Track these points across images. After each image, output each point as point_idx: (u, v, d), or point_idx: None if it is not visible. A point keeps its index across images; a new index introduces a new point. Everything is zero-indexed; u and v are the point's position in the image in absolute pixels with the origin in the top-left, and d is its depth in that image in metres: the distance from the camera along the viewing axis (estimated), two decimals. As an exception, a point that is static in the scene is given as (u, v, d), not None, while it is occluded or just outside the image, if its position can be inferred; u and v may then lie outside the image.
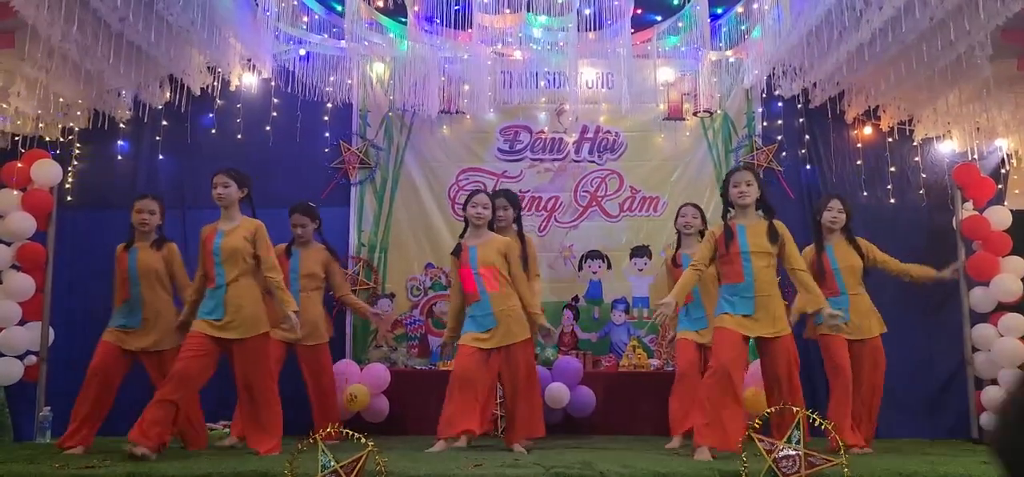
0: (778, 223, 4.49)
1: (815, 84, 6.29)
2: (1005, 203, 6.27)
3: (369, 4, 6.58)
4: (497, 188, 6.65)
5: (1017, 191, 6.75)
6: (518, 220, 5.40)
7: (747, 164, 5.94)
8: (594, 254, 6.80)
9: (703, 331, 5.21)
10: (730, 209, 4.59)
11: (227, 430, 5.83)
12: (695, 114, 6.81)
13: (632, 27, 6.34)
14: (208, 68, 6.21)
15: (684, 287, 4.48)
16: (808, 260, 4.99)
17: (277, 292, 4.57)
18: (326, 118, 6.75)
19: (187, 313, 4.76)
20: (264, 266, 4.60)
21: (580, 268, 6.80)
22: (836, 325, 4.62)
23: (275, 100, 6.67)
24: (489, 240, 4.88)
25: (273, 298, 4.66)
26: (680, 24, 6.57)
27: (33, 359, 5.76)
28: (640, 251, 6.78)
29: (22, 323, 5.70)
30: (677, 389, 5.23)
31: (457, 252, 4.96)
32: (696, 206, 5.61)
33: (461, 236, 5.06)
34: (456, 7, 6.35)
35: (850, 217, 5.17)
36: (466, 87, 6.68)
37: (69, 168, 6.34)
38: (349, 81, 6.73)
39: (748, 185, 4.46)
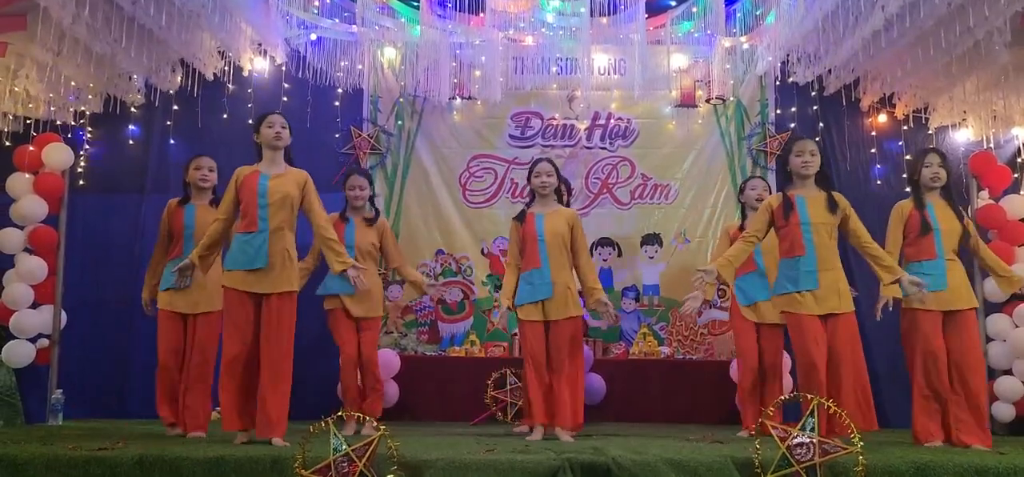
0: (838, 195, 4.29)
1: (830, 71, 6.23)
2: (1022, 192, 6.20)
3: (381, -12, 6.56)
4: (508, 175, 6.67)
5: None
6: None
7: (805, 137, 5.76)
8: (605, 241, 6.78)
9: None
10: (789, 181, 4.40)
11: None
12: (708, 101, 6.76)
13: (646, 12, 6.30)
14: (219, 53, 6.20)
15: (734, 259, 4.23)
16: (904, 217, 4.63)
17: (333, 245, 4.30)
18: (337, 103, 6.74)
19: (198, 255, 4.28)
20: (317, 219, 4.33)
21: (590, 255, 6.76)
22: (920, 294, 4.23)
23: (286, 85, 6.66)
24: (557, 210, 4.81)
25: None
26: (694, 9, 6.53)
27: (45, 342, 5.77)
28: (651, 239, 6.76)
29: (34, 306, 5.72)
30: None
31: (520, 218, 4.84)
32: (764, 179, 5.33)
33: (527, 205, 4.91)
34: (468, -9, 6.33)
35: (950, 174, 4.67)
36: (477, 73, 6.65)
37: (81, 152, 6.35)
38: (360, 66, 6.71)
39: (813, 155, 4.28)
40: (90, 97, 6.05)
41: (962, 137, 6.52)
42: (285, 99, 6.65)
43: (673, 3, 6.64)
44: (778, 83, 6.72)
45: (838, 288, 4.17)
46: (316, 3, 6.48)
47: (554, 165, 4.89)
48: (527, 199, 5.03)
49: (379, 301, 5.23)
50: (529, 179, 4.89)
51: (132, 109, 6.41)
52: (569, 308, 4.64)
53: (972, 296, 4.55)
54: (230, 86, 6.51)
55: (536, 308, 4.67)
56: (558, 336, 4.63)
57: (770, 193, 5.18)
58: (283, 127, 4.42)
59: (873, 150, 6.64)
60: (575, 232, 4.77)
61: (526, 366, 4.69)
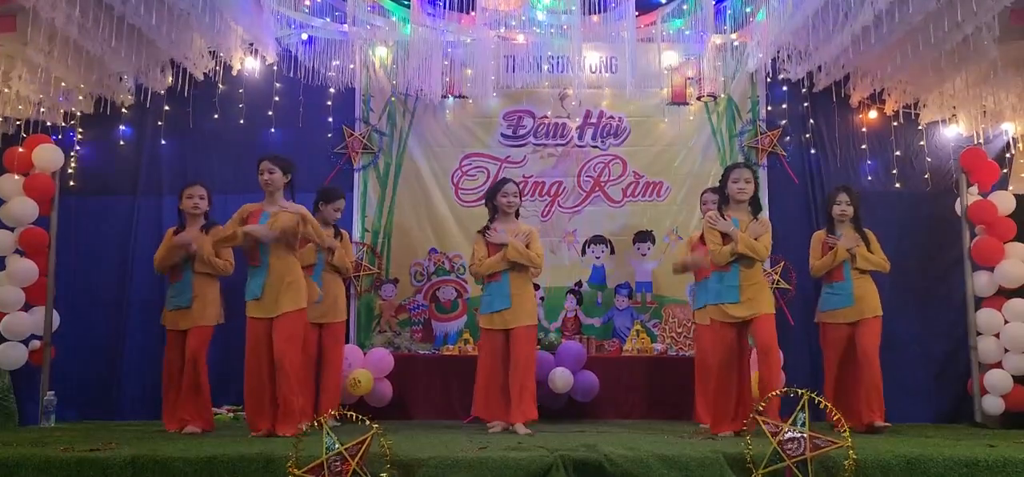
0: (763, 218, 4.93)
1: (820, 67, 6.25)
2: (1010, 188, 6.23)
3: (372, -13, 6.54)
4: (500, 174, 6.66)
5: (1023, 175, 6.71)
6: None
7: (746, 163, 5.98)
8: (597, 239, 6.78)
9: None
10: (726, 202, 4.93)
11: (232, 415, 5.86)
12: (699, 98, 6.75)
13: (636, 10, 6.29)
14: (210, 52, 6.17)
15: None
16: (818, 242, 5.39)
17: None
18: (329, 103, 6.72)
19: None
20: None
21: (583, 253, 6.79)
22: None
23: (277, 85, 6.64)
24: (515, 228, 5.22)
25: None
26: (684, 7, 6.52)
27: (37, 343, 5.76)
28: (643, 236, 6.76)
29: (26, 308, 5.71)
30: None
31: (485, 233, 5.29)
32: (714, 190, 5.54)
33: (491, 220, 5.33)
34: (459, -10, 6.32)
35: (858, 208, 5.36)
36: (469, 71, 6.62)
37: (71, 153, 6.32)
38: (352, 65, 6.69)
39: (747, 182, 4.85)
40: (80, 98, 6.04)
41: (952, 132, 6.55)
42: (276, 99, 6.64)
43: (663, 0, 6.64)
44: (769, 80, 6.74)
45: (756, 299, 4.74)
46: (307, 2, 6.46)
47: (518, 186, 5.41)
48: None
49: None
50: (495, 197, 5.29)
51: (123, 110, 6.39)
52: (526, 317, 5.13)
53: (875, 306, 5.23)
54: (221, 86, 6.49)
55: (496, 317, 5.12)
56: (517, 341, 5.08)
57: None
58: (271, 171, 4.84)
59: (863, 146, 6.66)
60: (530, 238, 5.20)
61: (485, 368, 5.13)
